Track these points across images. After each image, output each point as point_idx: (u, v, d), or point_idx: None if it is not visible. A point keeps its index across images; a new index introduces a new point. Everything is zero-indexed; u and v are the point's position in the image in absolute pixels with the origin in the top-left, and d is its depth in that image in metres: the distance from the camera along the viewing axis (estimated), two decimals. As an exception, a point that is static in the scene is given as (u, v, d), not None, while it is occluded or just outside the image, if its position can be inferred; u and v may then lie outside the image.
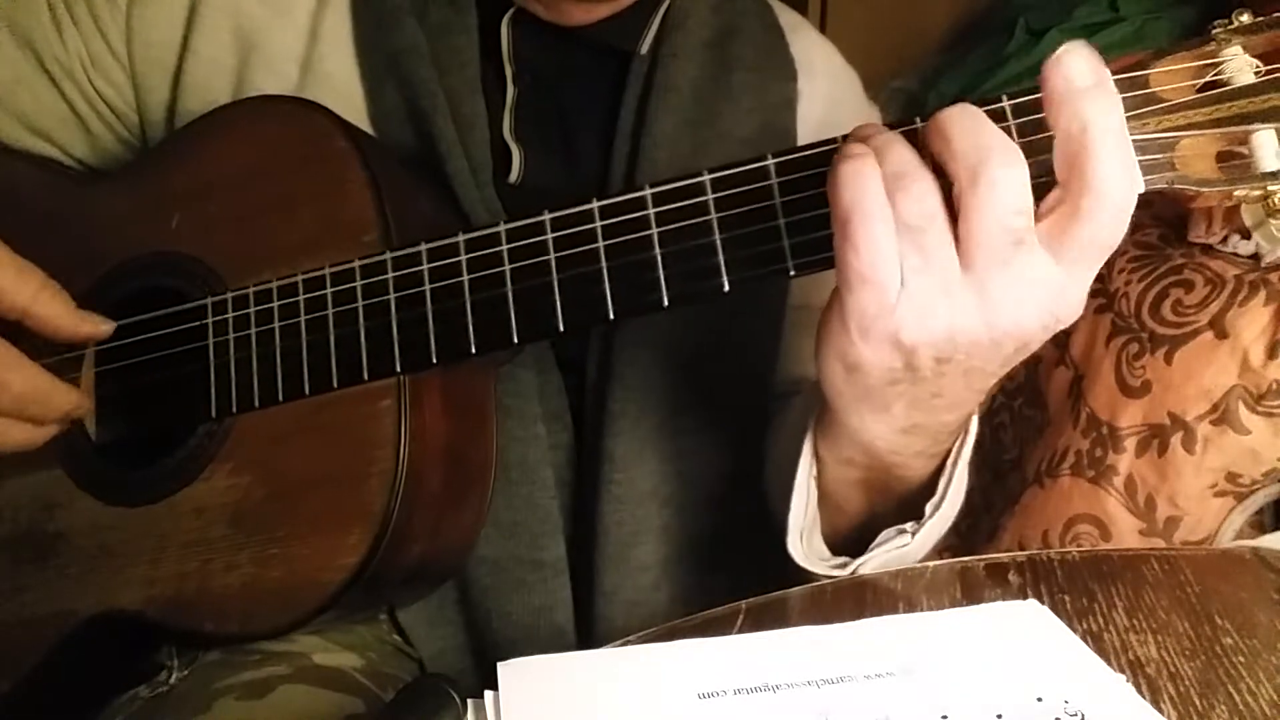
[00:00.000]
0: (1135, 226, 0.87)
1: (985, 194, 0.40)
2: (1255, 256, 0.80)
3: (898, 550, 0.54)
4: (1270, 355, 0.75)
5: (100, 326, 0.59)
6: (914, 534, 0.54)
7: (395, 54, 0.65)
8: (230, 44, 0.67)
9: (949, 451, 0.53)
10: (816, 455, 0.54)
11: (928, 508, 0.53)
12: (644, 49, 0.68)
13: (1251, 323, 0.77)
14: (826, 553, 0.56)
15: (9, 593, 0.61)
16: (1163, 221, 0.87)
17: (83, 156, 0.72)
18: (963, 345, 0.44)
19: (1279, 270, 0.78)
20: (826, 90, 0.74)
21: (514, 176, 0.67)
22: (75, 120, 0.70)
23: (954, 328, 0.43)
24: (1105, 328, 0.85)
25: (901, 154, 0.43)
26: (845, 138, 0.47)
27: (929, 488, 0.54)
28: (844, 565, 0.55)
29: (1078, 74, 0.41)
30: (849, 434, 0.51)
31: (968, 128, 0.42)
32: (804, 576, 0.56)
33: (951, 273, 0.42)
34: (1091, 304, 0.87)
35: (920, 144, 0.44)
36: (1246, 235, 0.80)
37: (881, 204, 0.42)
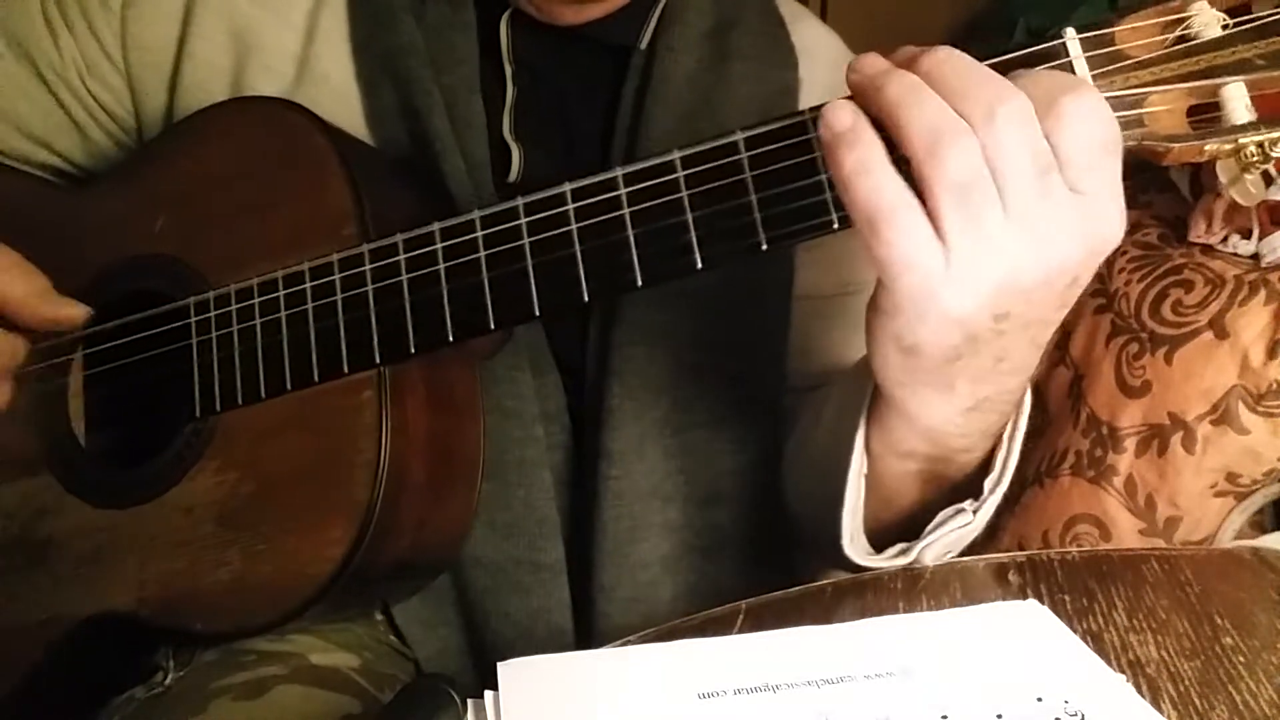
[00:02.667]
0: (1135, 226, 0.88)
1: (1006, 130, 0.39)
2: (1255, 256, 0.80)
3: (959, 530, 0.52)
4: (1270, 355, 0.75)
5: (75, 310, 0.59)
6: (975, 512, 0.52)
7: (391, 53, 0.65)
8: (226, 45, 0.66)
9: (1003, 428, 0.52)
10: (869, 451, 0.53)
11: (987, 484, 0.52)
12: (643, 44, 0.68)
13: (1251, 323, 0.77)
14: (870, 549, 0.55)
15: (2, 599, 0.61)
16: (1163, 221, 0.87)
17: (82, 163, 0.72)
18: (1019, 293, 0.42)
19: (1279, 270, 0.78)
20: (829, 78, 0.73)
21: (514, 175, 0.67)
22: (73, 127, 0.69)
23: (1009, 278, 0.41)
24: (1105, 328, 0.85)
25: (932, 107, 0.40)
26: (818, 109, 0.45)
27: (981, 469, 0.53)
28: (903, 553, 0.53)
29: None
30: (911, 422, 0.49)
31: (961, 70, 0.41)
32: (824, 571, 0.55)
33: (996, 223, 0.41)
34: (1091, 304, 0.87)
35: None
36: (1246, 235, 0.81)
37: (900, 190, 0.40)
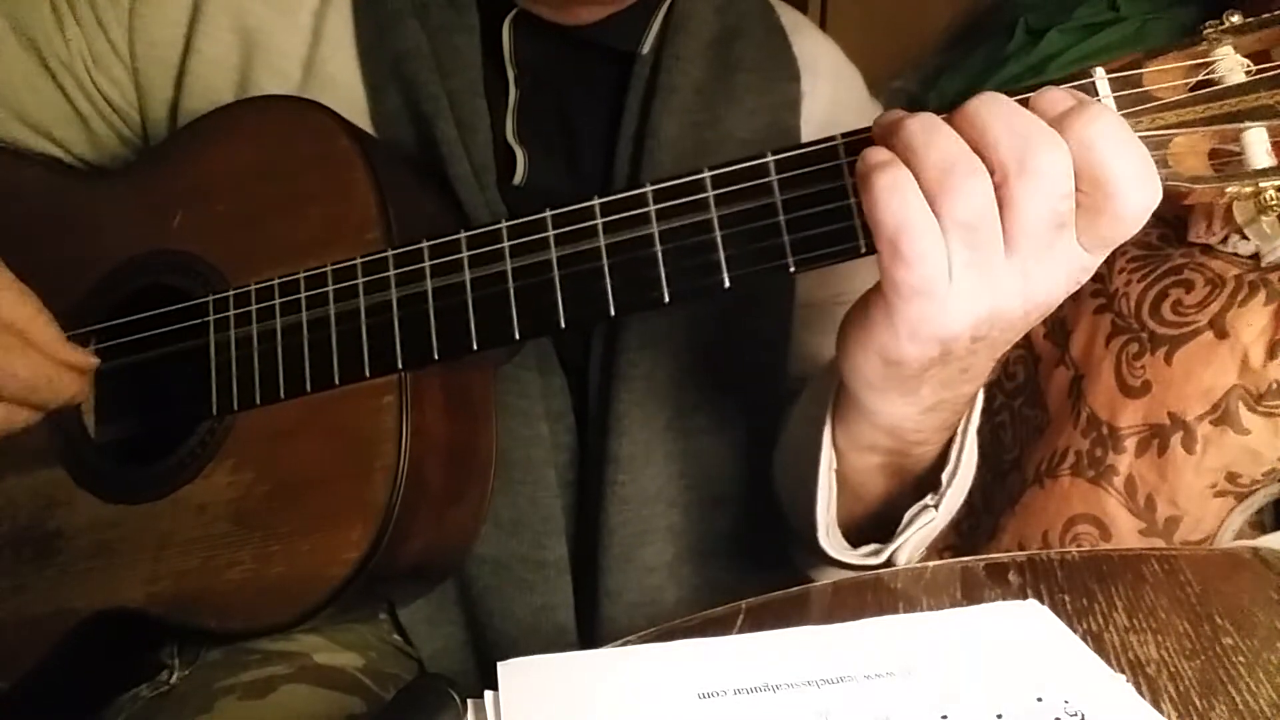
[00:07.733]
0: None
1: (1033, 182, 0.41)
2: (1255, 256, 0.80)
3: (927, 527, 0.55)
4: (1270, 355, 0.75)
5: (87, 359, 0.58)
6: (937, 505, 0.55)
7: (398, 56, 0.65)
8: (233, 43, 0.67)
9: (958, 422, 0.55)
10: (835, 447, 0.55)
11: (944, 476, 0.55)
12: (645, 50, 0.68)
13: (1251, 323, 0.77)
14: (847, 544, 0.57)
15: (9, 591, 0.61)
16: (1163, 221, 0.87)
17: (84, 154, 0.72)
18: (1000, 324, 0.45)
19: (1279, 270, 0.78)
20: (830, 90, 0.74)
21: (518, 178, 0.67)
22: (76, 118, 0.70)
23: (995, 310, 0.44)
24: (1105, 328, 0.85)
25: (948, 145, 0.42)
26: (850, 134, 0.48)
27: (941, 462, 0.56)
28: (876, 553, 0.56)
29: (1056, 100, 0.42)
30: (873, 419, 0.52)
31: (1003, 115, 0.42)
32: (820, 572, 0.56)
33: (997, 260, 0.42)
34: (1091, 304, 0.87)
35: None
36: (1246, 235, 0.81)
37: (926, 215, 0.41)
